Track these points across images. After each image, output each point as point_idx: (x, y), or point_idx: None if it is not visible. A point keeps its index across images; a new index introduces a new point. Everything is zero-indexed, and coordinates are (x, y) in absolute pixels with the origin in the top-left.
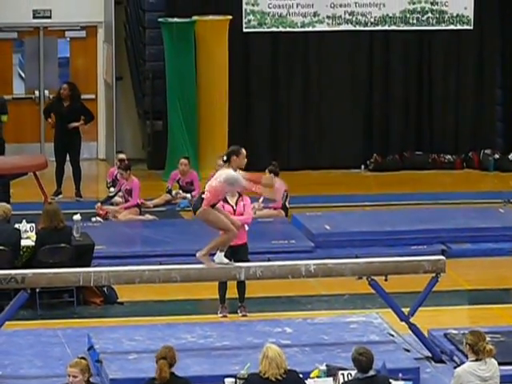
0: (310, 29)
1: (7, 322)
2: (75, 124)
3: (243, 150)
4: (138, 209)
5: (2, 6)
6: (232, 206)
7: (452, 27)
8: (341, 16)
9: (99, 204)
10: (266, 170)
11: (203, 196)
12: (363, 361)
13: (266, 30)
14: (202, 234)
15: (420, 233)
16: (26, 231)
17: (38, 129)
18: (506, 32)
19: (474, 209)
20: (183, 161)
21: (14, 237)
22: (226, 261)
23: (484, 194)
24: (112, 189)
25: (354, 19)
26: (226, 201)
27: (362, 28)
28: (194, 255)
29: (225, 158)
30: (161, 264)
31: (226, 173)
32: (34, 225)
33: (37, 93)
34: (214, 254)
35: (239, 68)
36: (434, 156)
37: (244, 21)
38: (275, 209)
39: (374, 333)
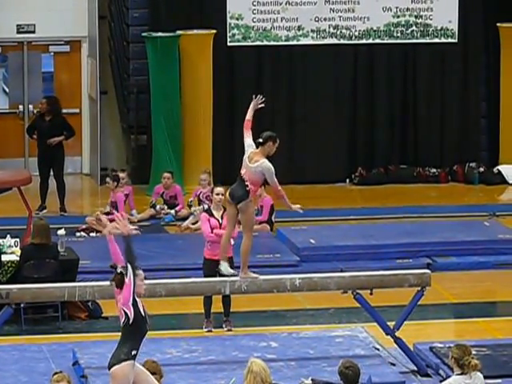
0: (295, 42)
1: None
2: (56, 139)
3: (278, 140)
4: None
5: None
6: (218, 220)
7: (436, 40)
8: (325, 30)
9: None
10: None
11: (247, 183)
12: (349, 375)
13: (251, 43)
14: (186, 248)
15: (405, 246)
16: (10, 246)
17: (21, 144)
18: (490, 45)
19: (459, 222)
20: (166, 174)
21: None
22: (231, 271)
23: (469, 207)
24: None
25: (338, 33)
26: (211, 214)
27: (346, 42)
28: (179, 269)
29: (261, 140)
30: (145, 278)
31: (263, 164)
32: (18, 240)
33: (21, 107)
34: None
35: (224, 82)
36: (419, 169)
37: (228, 35)
38: (260, 223)
39: (359, 347)
